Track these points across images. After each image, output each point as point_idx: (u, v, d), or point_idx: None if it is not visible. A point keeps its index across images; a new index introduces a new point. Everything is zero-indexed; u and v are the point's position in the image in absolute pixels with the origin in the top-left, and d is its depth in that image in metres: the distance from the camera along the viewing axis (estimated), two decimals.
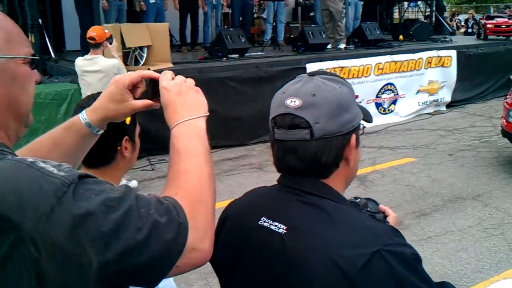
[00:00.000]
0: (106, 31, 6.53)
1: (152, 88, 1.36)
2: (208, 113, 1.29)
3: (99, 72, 6.16)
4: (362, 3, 13.46)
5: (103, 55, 6.32)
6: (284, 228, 1.22)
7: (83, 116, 1.40)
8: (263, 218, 1.27)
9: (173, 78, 1.34)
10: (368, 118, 1.36)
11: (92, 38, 6.21)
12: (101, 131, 1.43)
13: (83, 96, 5.81)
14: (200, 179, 1.16)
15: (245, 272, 1.29)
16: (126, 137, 1.85)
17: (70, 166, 1.02)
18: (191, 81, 1.34)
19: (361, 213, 1.34)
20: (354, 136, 1.26)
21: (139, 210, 1.00)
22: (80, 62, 6.35)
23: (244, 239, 1.30)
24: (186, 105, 1.27)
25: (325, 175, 1.27)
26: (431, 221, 5.69)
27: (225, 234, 1.38)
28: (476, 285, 4.43)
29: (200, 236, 1.08)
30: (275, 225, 1.24)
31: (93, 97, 1.75)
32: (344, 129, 1.23)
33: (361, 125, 1.33)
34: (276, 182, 1.36)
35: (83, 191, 0.96)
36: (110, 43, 6.43)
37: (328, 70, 9.23)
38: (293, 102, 1.22)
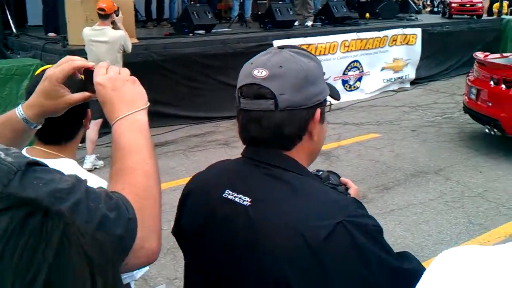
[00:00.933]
0: (115, 4, 6.65)
1: (87, 78, 1.30)
2: (148, 104, 1.23)
3: (107, 43, 6.37)
4: None
5: (110, 26, 6.51)
6: (249, 200, 1.23)
7: (20, 111, 1.30)
8: (227, 190, 1.27)
9: (108, 64, 1.27)
10: (335, 95, 1.37)
11: (101, 9, 6.39)
12: (39, 126, 1.34)
13: None
14: (146, 174, 1.13)
15: (210, 245, 1.29)
16: (89, 108, 1.81)
17: (18, 151, 0.97)
18: (126, 73, 1.26)
19: (323, 185, 1.34)
20: (319, 110, 1.26)
21: (88, 204, 0.96)
22: (89, 32, 6.48)
23: (209, 212, 1.30)
24: (124, 100, 1.20)
25: (287, 147, 1.27)
26: (394, 194, 5.81)
27: (189, 208, 1.39)
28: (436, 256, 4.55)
29: (149, 233, 1.05)
30: (239, 197, 1.24)
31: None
32: (309, 102, 1.23)
33: (328, 102, 1.33)
34: (240, 155, 1.36)
35: (31, 180, 0.91)
36: (117, 15, 6.63)
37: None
38: (260, 73, 1.22)
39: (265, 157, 1.27)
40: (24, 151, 1.76)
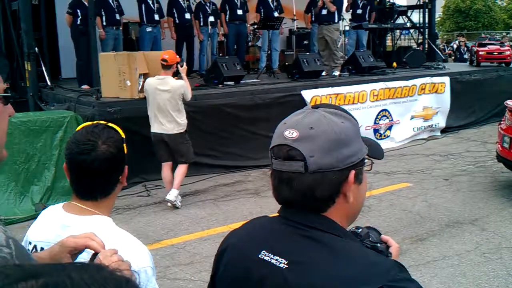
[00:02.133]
0: (177, 56, 7.19)
1: (90, 259, 1.38)
2: None
3: (168, 91, 6.74)
4: (366, 32, 13.54)
5: (172, 76, 6.93)
6: (285, 262, 1.20)
7: None
8: (264, 251, 1.25)
9: (115, 253, 1.32)
10: (376, 154, 1.34)
11: (164, 60, 6.82)
12: None
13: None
14: None
15: None
16: (126, 165, 1.83)
17: None
18: (126, 265, 1.30)
19: (363, 247, 1.31)
20: (353, 172, 1.22)
21: None
22: (153, 81, 6.89)
23: (244, 272, 1.28)
24: None
25: (321, 209, 1.24)
26: (428, 246, 5.66)
27: (224, 265, 1.37)
28: None
29: None
30: (276, 259, 1.22)
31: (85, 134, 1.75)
32: (341, 164, 1.20)
33: (368, 161, 1.29)
34: (277, 214, 1.33)
35: None
36: (181, 66, 7.05)
37: (324, 97, 9.30)
38: (291, 134, 1.21)
39: (302, 218, 1.24)
40: (61, 206, 1.81)
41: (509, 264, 5.18)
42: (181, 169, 6.93)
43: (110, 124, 1.84)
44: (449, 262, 5.25)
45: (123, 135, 1.83)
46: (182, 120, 6.87)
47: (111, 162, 1.74)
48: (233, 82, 9.67)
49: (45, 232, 1.77)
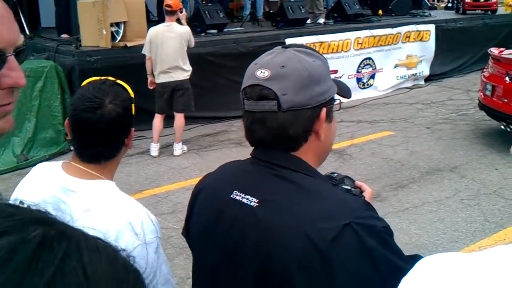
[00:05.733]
0: (180, 2, 7.14)
1: None
2: None
3: (175, 38, 6.70)
4: None
5: (176, 22, 6.91)
6: (256, 201, 1.22)
7: None
8: (235, 191, 1.27)
9: None
10: (345, 93, 1.35)
11: (168, 6, 6.78)
12: None
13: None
14: None
15: (218, 246, 1.29)
16: (133, 128, 1.73)
17: None
18: None
19: (333, 186, 1.33)
20: (324, 109, 1.24)
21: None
22: (161, 28, 6.81)
23: (217, 212, 1.29)
24: None
25: (294, 147, 1.25)
26: (408, 193, 5.75)
27: (198, 207, 1.39)
28: None
29: None
30: (247, 198, 1.23)
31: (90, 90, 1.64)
32: (313, 101, 1.21)
33: (338, 100, 1.31)
34: (250, 156, 1.35)
35: None
36: (181, 12, 7.05)
37: (308, 45, 9.20)
38: (263, 73, 1.21)
39: (273, 158, 1.26)
40: (59, 166, 1.69)
41: (486, 210, 5.30)
42: (180, 120, 6.96)
43: (119, 81, 1.72)
44: (428, 209, 5.35)
45: (132, 94, 1.71)
46: (188, 66, 6.87)
47: (117, 122, 1.62)
48: (216, 31, 9.53)
49: (40, 191, 1.63)
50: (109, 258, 0.51)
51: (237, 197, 1.25)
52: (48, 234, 0.48)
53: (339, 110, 1.32)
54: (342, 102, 1.34)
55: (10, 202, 0.54)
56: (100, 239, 0.52)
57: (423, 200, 5.56)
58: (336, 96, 1.31)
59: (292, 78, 1.19)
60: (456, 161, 6.65)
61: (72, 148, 7.00)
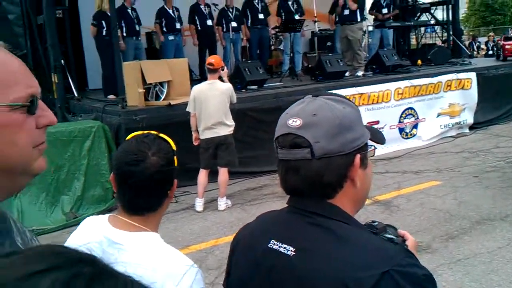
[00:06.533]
0: (222, 60, 7.38)
1: None
2: None
3: (218, 95, 6.83)
4: (391, 30, 13.48)
5: (219, 79, 7.06)
6: (293, 250, 1.21)
7: None
8: (273, 240, 1.27)
9: None
10: (378, 139, 1.35)
11: (211, 64, 6.96)
12: None
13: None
14: None
15: None
16: (175, 180, 1.74)
17: None
18: None
19: (370, 233, 1.31)
20: (358, 156, 1.24)
21: None
22: (204, 87, 6.93)
23: (254, 262, 1.30)
24: None
25: (329, 195, 1.25)
26: (459, 243, 5.58)
27: (237, 257, 1.40)
28: None
29: None
30: (284, 247, 1.23)
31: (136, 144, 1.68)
32: (346, 148, 1.21)
33: (372, 147, 1.31)
34: (286, 204, 1.35)
35: None
36: (223, 70, 7.15)
37: (347, 97, 9.24)
38: (294, 122, 1.22)
39: (309, 206, 1.26)
40: (106, 219, 1.73)
41: None
42: (224, 175, 7.02)
43: (161, 135, 1.75)
44: (480, 260, 5.16)
45: (174, 147, 1.74)
46: (231, 121, 6.98)
47: (160, 175, 1.64)
48: (256, 86, 9.70)
49: (87, 241, 1.66)
50: None
51: (274, 246, 1.25)
52: (97, 271, 0.52)
53: (373, 156, 1.32)
54: (376, 148, 1.34)
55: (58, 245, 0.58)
56: (143, 284, 0.55)
57: (475, 251, 5.37)
58: (370, 143, 1.31)
59: (324, 126, 1.20)
60: (507, 210, 6.43)
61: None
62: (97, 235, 1.67)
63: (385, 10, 12.88)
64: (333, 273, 1.12)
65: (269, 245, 1.26)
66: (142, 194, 1.65)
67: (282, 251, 1.23)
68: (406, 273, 1.09)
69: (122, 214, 1.69)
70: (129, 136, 1.75)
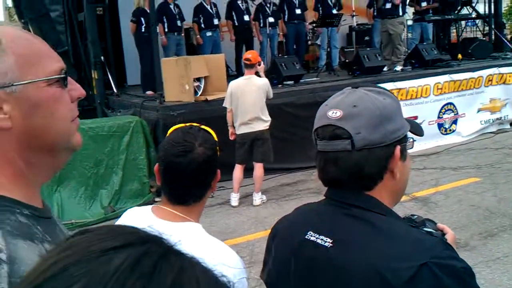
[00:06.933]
0: (258, 55, 7.39)
1: None
2: None
3: (255, 90, 6.88)
4: (431, 24, 13.27)
5: (255, 75, 7.08)
6: (330, 241, 1.22)
7: None
8: (310, 232, 1.28)
9: None
10: (418, 131, 1.34)
11: (247, 59, 7.03)
12: None
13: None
14: None
15: (293, 286, 1.30)
16: (218, 169, 1.78)
17: None
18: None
19: (408, 225, 1.30)
20: (398, 147, 1.23)
21: None
22: (241, 81, 7.00)
23: (292, 253, 1.31)
24: None
25: (368, 186, 1.25)
26: (499, 241, 5.46)
27: (275, 249, 1.41)
28: None
29: None
30: (321, 239, 1.24)
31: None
32: (387, 139, 1.21)
33: (410, 138, 1.30)
34: (324, 197, 1.36)
35: None
36: (259, 65, 7.15)
37: None
38: (334, 113, 1.22)
39: (347, 197, 1.26)
40: (149, 209, 1.76)
41: None
42: (260, 170, 7.06)
43: (203, 127, 1.79)
44: None
45: (216, 138, 1.78)
46: (267, 117, 7.00)
47: (206, 165, 1.68)
48: (292, 82, 9.68)
49: None
50: (215, 278, 0.56)
51: (312, 238, 1.26)
52: (165, 250, 0.55)
53: (411, 148, 1.31)
54: (414, 140, 1.33)
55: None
56: (206, 265, 0.58)
57: None
58: (409, 135, 1.30)
59: (365, 117, 1.20)
60: None
61: (156, 199, 7.13)
62: (142, 225, 1.70)
63: (424, 3, 12.66)
64: (370, 264, 1.13)
65: (306, 237, 1.27)
66: (188, 184, 1.68)
67: (320, 242, 1.24)
68: (444, 265, 1.09)
69: (167, 204, 1.73)
70: (172, 129, 1.79)
